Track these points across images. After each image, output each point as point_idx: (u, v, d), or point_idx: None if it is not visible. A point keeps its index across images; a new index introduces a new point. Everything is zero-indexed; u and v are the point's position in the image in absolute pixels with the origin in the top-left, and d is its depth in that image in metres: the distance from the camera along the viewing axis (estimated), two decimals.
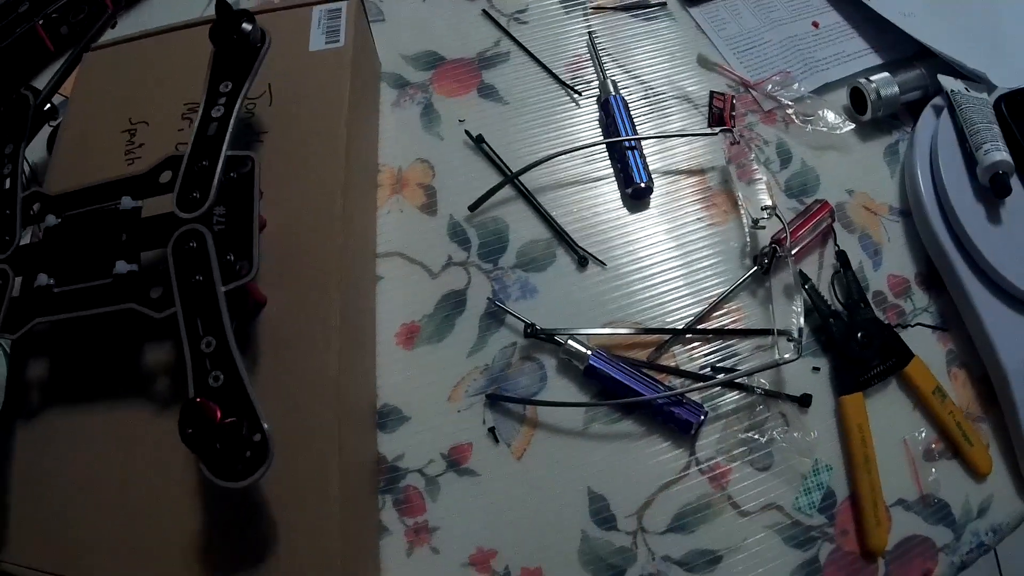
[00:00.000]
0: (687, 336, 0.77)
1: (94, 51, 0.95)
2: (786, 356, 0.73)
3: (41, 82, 0.92)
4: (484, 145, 0.86)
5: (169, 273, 0.64)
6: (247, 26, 0.73)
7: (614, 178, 0.86)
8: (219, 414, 0.55)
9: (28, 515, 0.70)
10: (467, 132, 0.86)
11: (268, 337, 0.66)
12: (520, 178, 0.83)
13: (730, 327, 0.78)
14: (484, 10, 0.96)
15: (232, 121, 0.70)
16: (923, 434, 0.76)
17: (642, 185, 0.82)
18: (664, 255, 0.81)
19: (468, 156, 0.87)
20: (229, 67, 0.73)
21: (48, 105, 0.88)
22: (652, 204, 0.84)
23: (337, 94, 0.81)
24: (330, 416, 0.66)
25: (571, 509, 0.71)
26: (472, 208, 0.83)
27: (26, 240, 0.73)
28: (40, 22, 1.08)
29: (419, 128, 0.89)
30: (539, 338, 0.76)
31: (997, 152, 0.80)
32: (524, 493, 0.72)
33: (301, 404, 0.63)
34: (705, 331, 0.77)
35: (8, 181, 0.76)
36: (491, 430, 0.74)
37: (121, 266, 0.66)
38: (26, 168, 0.80)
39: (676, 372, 0.75)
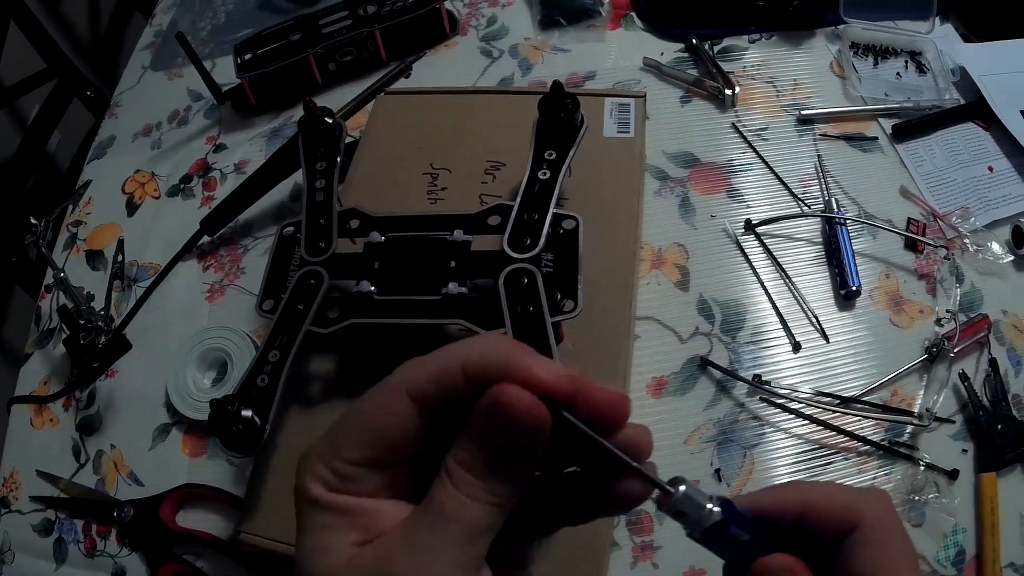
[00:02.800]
0: (859, 411, 0.95)
1: (388, 95, 1.10)
2: (917, 421, 0.93)
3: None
4: (754, 232, 1.07)
5: (495, 301, 0.77)
6: (572, 107, 0.88)
7: (829, 281, 1.04)
8: None
9: (282, 494, 0.82)
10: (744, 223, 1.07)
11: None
12: (759, 272, 1.04)
13: (899, 405, 0.95)
14: (733, 123, 1.16)
15: (558, 184, 0.85)
16: None
17: (854, 288, 1.00)
18: (862, 346, 0.99)
19: (717, 247, 1.06)
20: (552, 138, 0.88)
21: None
22: (857, 305, 1.02)
23: (631, 178, 0.97)
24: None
25: None
26: (753, 227, 1.06)
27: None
28: (311, 53, 1.22)
29: (677, 217, 1.08)
30: (761, 386, 0.94)
31: None
32: None
33: None
34: (872, 404, 0.95)
35: (322, 194, 0.89)
36: (717, 471, 0.90)
37: (453, 287, 0.79)
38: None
39: (855, 436, 0.94)
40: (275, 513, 0.81)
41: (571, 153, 0.87)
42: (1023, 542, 0.87)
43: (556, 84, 0.87)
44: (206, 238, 1.17)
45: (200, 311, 1.13)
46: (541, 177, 0.86)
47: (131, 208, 1.27)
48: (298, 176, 1.05)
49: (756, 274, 1.04)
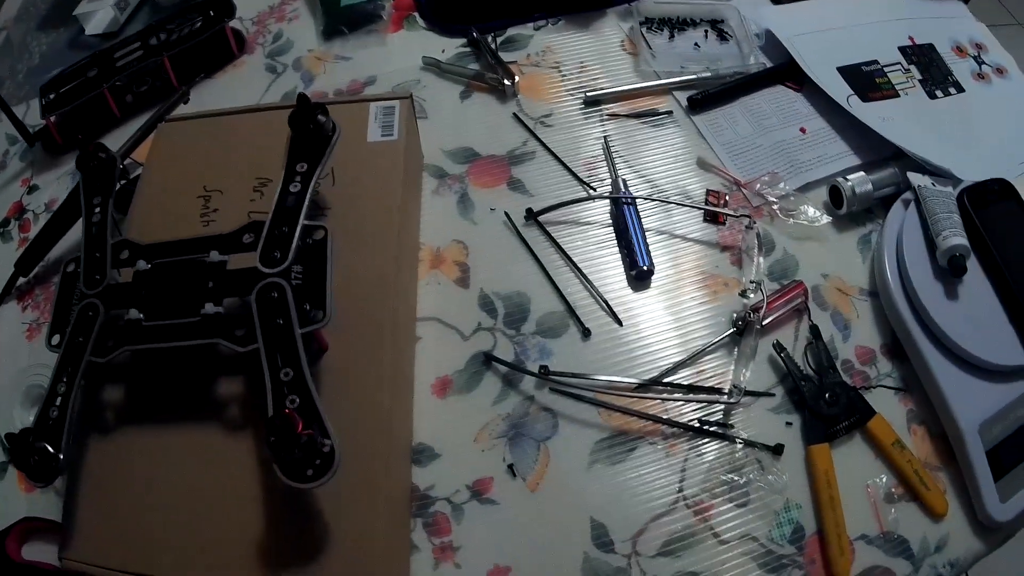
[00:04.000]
0: (671, 389, 0.92)
1: (168, 122, 1.10)
2: (725, 399, 0.90)
3: (108, 144, 1.02)
4: (536, 221, 1.04)
5: (252, 316, 0.78)
6: (322, 117, 0.87)
7: (621, 264, 1.01)
8: (300, 426, 0.70)
9: (97, 518, 0.82)
10: (506, 213, 1.04)
11: (329, 377, 0.80)
12: (541, 259, 1.00)
13: (708, 383, 0.92)
14: (515, 113, 1.12)
15: (308, 196, 0.84)
16: (884, 479, 0.87)
17: (644, 268, 0.96)
18: (661, 326, 0.96)
19: (497, 239, 1.03)
20: (304, 150, 0.87)
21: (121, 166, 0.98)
22: (653, 284, 0.99)
23: (392, 181, 0.95)
24: (383, 443, 0.80)
25: (576, 534, 0.84)
26: (535, 215, 1.03)
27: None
28: (107, 87, 1.22)
29: (456, 214, 1.05)
30: (548, 377, 0.92)
31: (955, 237, 0.94)
32: (536, 520, 0.85)
33: (358, 433, 0.75)
34: (675, 385, 0.92)
35: (96, 228, 0.90)
36: (510, 467, 0.87)
37: (209, 308, 0.80)
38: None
39: (658, 420, 0.90)
40: (90, 538, 0.82)
41: (322, 162, 0.87)
42: (873, 513, 0.86)
43: (301, 96, 0.87)
44: (22, 279, 1.16)
45: (21, 350, 1.11)
46: (292, 190, 0.86)
47: None
48: None
49: (540, 264, 1.01)
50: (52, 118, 1.23)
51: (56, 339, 0.87)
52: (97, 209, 0.92)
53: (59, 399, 0.81)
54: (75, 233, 1.13)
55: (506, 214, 1.04)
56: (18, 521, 0.95)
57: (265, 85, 1.25)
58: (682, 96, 1.13)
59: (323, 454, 0.70)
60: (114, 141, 1.14)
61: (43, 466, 0.78)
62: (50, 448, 0.78)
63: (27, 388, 1.04)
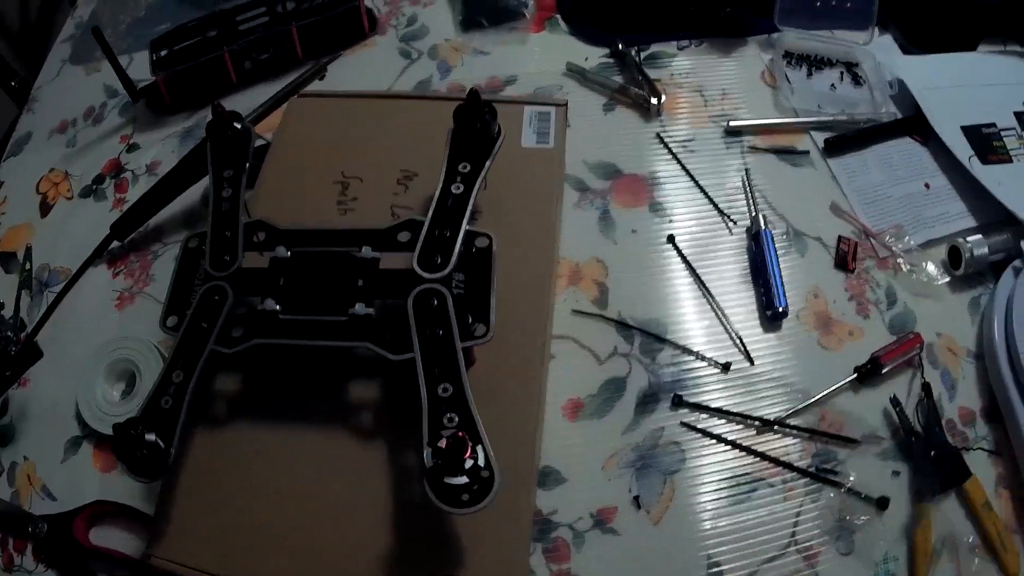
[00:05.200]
0: (785, 433, 0.93)
1: (302, 97, 1.08)
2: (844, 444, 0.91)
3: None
4: (675, 245, 1.04)
5: (403, 322, 0.76)
6: (489, 117, 0.86)
7: (755, 301, 1.02)
8: (469, 451, 0.69)
9: (194, 516, 0.82)
10: (671, 238, 1.05)
11: (475, 391, 0.75)
12: (677, 288, 1.01)
13: (828, 429, 0.93)
14: (659, 133, 1.13)
15: (471, 199, 0.83)
16: (970, 539, 0.89)
17: (780, 309, 0.98)
18: (789, 368, 0.97)
19: (638, 262, 1.04)
20: (467, 149, 0.86)
21: None
22: (782, 326, 1.00)
23: (547, 190, 0.95)
24: (524, 466, 0.81)
25: (692, 570, 0.84)
26: (675, 243, 1.02)
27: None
28: (227, 51, 1.19)
29: (596, 230, 1.05)
30: (684, 406, 0.93)
31: None
32: (655, 553, 0.85)
33: (498, 451, 0.71)
34: (801, 428, 0.93)
35: (228, 204, 0.87)
36: (635, 498, 0.87)
37: (360, 308, 0.78)
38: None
39: (782, 463, 0.92)
40: (184, 537, 0.81)
41: (487, 166, 0.85)
42: (956, 568, 0.87)
43: (472, 92, 0.85)
44: (116, 243, 1.13)
45: (110, 319, 1.09)
46: (454, 191, 0.84)
47: (44, 209, 1.23)
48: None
49: (678, 292, 1.02)
50: (162, 75, 1.20)
51: (173, 320, 0.85)
52: (228, 184, 0.89)
53: (172, 388, 0.78)
54: (181, 203, 1.12)
55: (671, 239, 1.06)
56: (90, 503, 0.95)
57: (399, 69, 1.24)
58: (818, 136, 1.14)
59: (481, 479, 0.69)
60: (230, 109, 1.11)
61: (151, 460, 0.75)
62: (161, 443, 0.75)
63: (113, 362, 1.02)
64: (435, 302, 0.77)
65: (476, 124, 0.86)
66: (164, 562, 0.79)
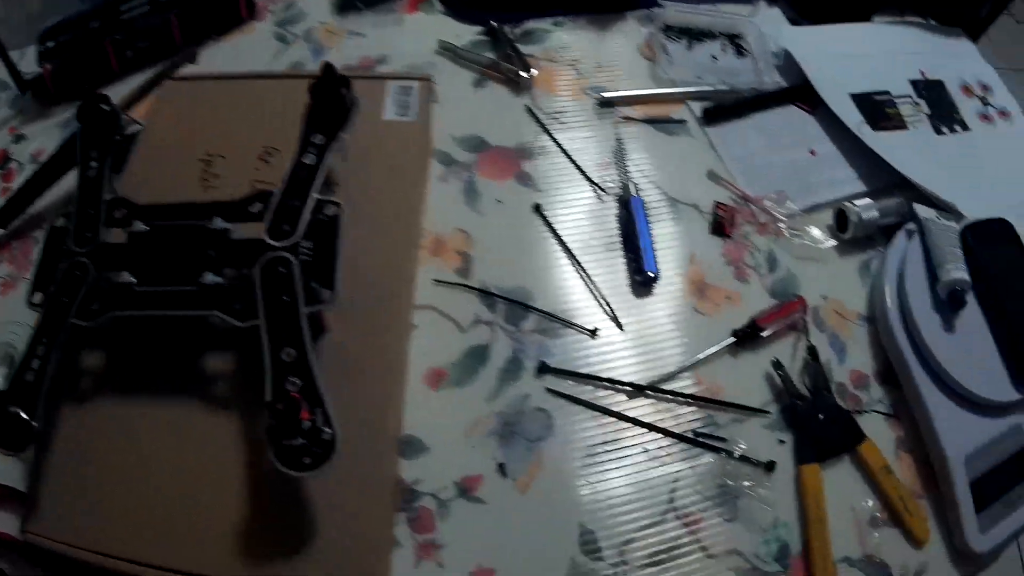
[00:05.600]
0: (668, 397, 0.90)
1: (174, 80, 1.07)
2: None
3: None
4: (541, 213, 1.02)
5: (253, 290, 0.76)
6: (344, 90, 0.86)
7: (626, 267, 1.00)
8: (305, 413, 0.67)
9: (66, 492, 0.79)
10: (537, 206, 1.03)
11: (329, 359, 0.77)
12: (544, 256, 0.98)
13: (705, 395, 0.91)
14: (527, 106, 1.11)
15: (322, 169, 0.82)
16: (870, 503, 0.87)
17: (651, 274, 0.95)
18: (662, 334, 0.94)
19: (503, 233, 1.01)
20: (322, 122, 0.86)
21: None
22: (655, 292, 0.97)
23: (406, 162, 0.94)
24: (377, 433, 0.80)
25: (564, 539, 0.81)
26: (542, 212, 0.98)
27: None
28: (108, 40, 1.18)
29: (461, 202, 1.03)
30: (550, 372, 0.90)
31: (957, 271, 0.95)
32: (524, 522, 0.82)
33: (351, 420, 0.71)
34: (674, 393, 0.91)
35: (90, 183, 0.88)
36: (500, 465, 0.85)
37: (209, 277, 0.78)
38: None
39: (654, 428, 0.89)
40: (57, 513, 0.79)
41: (340, 136, 0.86)
42: (857, 536, 0.86)
43: (326, 66, 0.86)
44: (0, 231, 1.10)
45: None
46: (306, 162, 0.84)
47: None
48: None
49: (544, 261, 1.00)
50: (48, 66, 1.20)
51: (38, 297, 0.84)
52: (94, 163, 0.90)
53: (36, 362, 0.78)
54: (61, 189, 1.10)
55: (536, 208, 1.03)
56: None
57: (273, 53, 1.22)
58: (696, 107, 1.12)
59: (322, 442, 0.68)
60: (111, 96, 1.07)
61: (15, 433, 0.75)
62: (23, 414, 0.75)
63: None
64: (282, 269, 0.77)
65: (331, 97, 0.87)
66: (38, 538, 0.78)
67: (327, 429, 0.68)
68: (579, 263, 0.97)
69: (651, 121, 1.11)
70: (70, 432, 0.81)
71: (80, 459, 0.81)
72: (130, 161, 0.98)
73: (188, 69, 1.16)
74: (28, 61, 1.24)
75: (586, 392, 0.90)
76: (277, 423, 0.68)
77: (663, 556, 0.82)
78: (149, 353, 0.85)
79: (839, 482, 0.88)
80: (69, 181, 1.06)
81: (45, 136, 1.20)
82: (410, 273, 0.91)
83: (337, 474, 0.70)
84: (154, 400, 0.83)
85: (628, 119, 1.10)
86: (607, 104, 1.12)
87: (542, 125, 1.09)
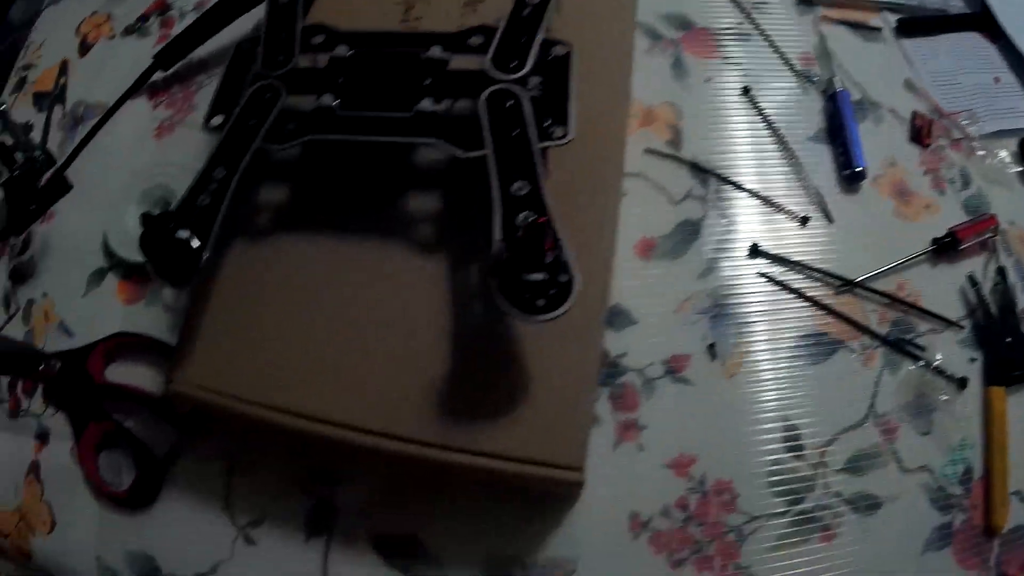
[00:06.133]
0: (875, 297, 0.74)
1: None
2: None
3: None
4: (750, 96, 0.83)
5: (475, 121, 0.60)
6: None
7: (832, 161, 0.82)
8: (549, 243, 0.52)
9: (227, 337, 0.64)
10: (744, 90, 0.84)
11: None
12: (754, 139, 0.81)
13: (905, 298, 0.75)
14: None
15: (548, 9, 0.67)
16: None
17: (859, 169, 0.79)
18: (868, 233, 0.77)
19: (712, 111, 0.83)
20: None
21: None
22: (860, 190, 0.80)
23: (620, 27, 0.77)
24: (598, 300, 0.63)
25: (767, 433, 0.67)
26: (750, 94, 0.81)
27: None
28: None
29: (668, 76, 0.85)
30: (761, 255, 0.74)
31: None
32: (729, 409, 0.68)
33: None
34: (882, 293, 0.73)
35: (283, 6, 0.70)
36: (711, 346, 0.69)
37: (427, 104, 0.62)
38: None
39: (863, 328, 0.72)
40: (212, 358, 0.62)
41: None
42: None
43: None
44: (159, 73, 0.93)
45: (147, 149, 0.89)
46: (530, 1, 0.67)
47: (84, 49, 1.03)
48: (259, 13, 0.83)
49: (753, 144, 0.81)
50: None
51: (218, 120, 0.68)
52: None
53: (213, 185, 0.60)
54: (229, 35, 0.91)
55: (746, 90, 0.84)
56: (110, 336, 0.76)
57: None
58: (891, 18, 0.94)
59: (558, 283, 0.52)
60: None
61: (182, 259, 0.57)
62: (195, 241, 0.57)
63: (148, 188, 0.83)
64: (509, 103, 0.61)
65: None
66: (187, 388, 0.61)
67: (563, 271, 0.52)
68: (791, 149, 0.81)
69: (849, 24, 0.92)
70: (237, 270, 0.66)
71: (244, 301, 0.65)
72: None
73: None
74: None
75: (795, 280, 0.74)
76: (516, 254, 0.52)
77: (861, 464, 0.67)
78: (335, 190, 0.69)
79: (1021, 410, 0.72)
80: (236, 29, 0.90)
81: None
82: (620, 138, 0.73)
83: (541, 339, 0.58)
84: (336, 241, 0.66)
85: (828, 19, 0.92)
86: (806, 2, 0.93)
87: (745, 11, 0.90)
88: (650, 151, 0.78)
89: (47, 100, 1.00)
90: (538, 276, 0.52)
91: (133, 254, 0.79)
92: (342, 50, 0.67)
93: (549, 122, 0.62)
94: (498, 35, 0.66)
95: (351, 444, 0.58)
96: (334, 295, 0.64)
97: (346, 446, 0.59)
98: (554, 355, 0.60)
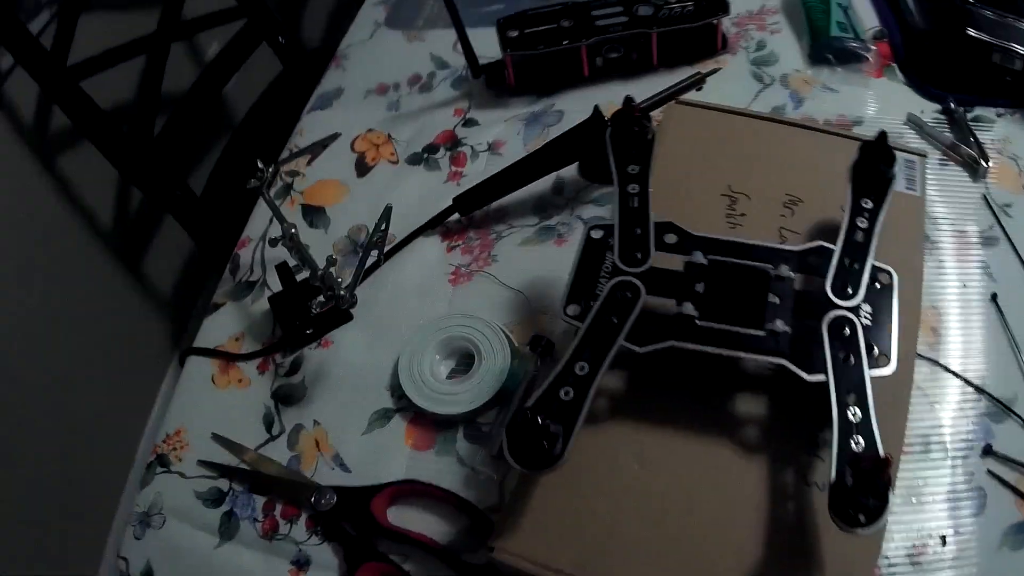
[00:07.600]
0: None
1: (679, 104, 0.96)
2: None
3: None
4: (997, 304, 0.86)
5: (816, 345, 0.67)
6: (884, 168, 0.76)
7: None
8: (887, 475, 0.58)
9: (550, 512, 0.70)
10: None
11: None
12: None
13: None
14: (984, 195, 0.96)
15: (875, 237, 0.73)
16: None
17: None
18: None
19: (966, 316, 0.86)
20: (867, 187, 0.76)
21: None
22: None
23: (914, 240, 0.83)
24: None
25: None
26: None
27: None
28: (586, 44, 1.07)
29: (929, 276, 0.87)
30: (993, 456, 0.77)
31: None
32: None
33: None
34: None
35: (636, 201, 0.77)
36: (942, 537, 0.73)
37: (779, 324, 0.69)
38: None
39: None
40: (535, 531, 0.69)
41: (884, 206, 0.76)
42: None
43: (882, 134, 0.77)
44: (455, 216, 0.99)
45: (440, 293, 0.96)
46: (860, 225, 0.74)
47: (361, 168, 1.10)
48: (564, 170, 0.96)
49: (997, 353, 0.84)
50: (511, 56, 1.08)
51: (574, 309, 0.74)
52: (634, 181, 0.78)
53: (575, 380, 0.66)
54: (529, 189, 0.98)
55: (993, 297, 0.87)
56: (404, 481, 0.81)
57: (752, 93, 1.11)
58: None
59: (880, 496, 0.58)
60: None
61: (546, 453, 0.63)
62: (562, 435, 0.63)
63: (446, 338, 0.89)
64: (847, 330, 0.67)
65: (879, 166, 0.77)
66: (510, 555, 0.67)
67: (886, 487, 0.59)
68: None
69: None
70: (573, 451, 0.67)
71: (576, 481, 0.70)
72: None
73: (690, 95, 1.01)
74: (478, 45, 1.11)
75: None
76: (859, 481, 0.58)
77: None
78: (669, 386, 0.75)
79: None
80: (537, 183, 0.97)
81: (504, 127, 1.10)
82: (912, 354, 0.77)
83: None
84: (667, 434, 0.73)
85: None
86: None
87: (996, 217, 0.95)
88: (920, 356, 0.81)
89: (321, 218, 1.05)
90: (873, 502, 0.58)
91: (428, 402, 0.84)
92: (698, 256, 0.73)
93: (876, 352, 0.68)
94: (835, 260, 0.71)
95: None
96: (659, 484, 0.70)
97: None
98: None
